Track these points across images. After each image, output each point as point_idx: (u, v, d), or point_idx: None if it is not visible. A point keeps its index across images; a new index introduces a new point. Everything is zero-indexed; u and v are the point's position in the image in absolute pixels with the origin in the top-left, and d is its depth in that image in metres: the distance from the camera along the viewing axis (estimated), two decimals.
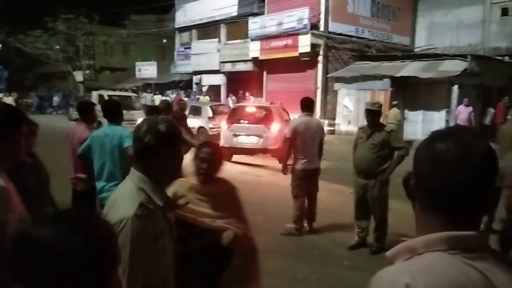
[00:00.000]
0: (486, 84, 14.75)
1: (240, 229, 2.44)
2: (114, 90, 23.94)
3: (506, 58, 16.25)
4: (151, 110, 5.87)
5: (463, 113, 12.20)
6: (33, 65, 36.19)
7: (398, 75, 14.70)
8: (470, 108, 12.48)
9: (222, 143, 10.32)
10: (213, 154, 2.47)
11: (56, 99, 28.71)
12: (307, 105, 5.49)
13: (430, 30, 20.51)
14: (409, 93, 15.01)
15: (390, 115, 12.42)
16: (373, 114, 4.68)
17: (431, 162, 0.87)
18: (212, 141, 4.25)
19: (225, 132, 10.77)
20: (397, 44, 20.08)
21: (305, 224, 5.45)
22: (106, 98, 15.56)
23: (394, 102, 13.12)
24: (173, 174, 1.63)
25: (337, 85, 17.00)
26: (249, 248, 2.55)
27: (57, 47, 28.76)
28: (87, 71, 30.62)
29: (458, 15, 19.15)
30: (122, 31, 30.49)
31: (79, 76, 28.83)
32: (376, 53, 17.81)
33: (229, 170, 9.09)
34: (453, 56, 14.69)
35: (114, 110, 3.90)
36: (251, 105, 12.11)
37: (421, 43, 20.77)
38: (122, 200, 1.48)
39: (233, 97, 18.99)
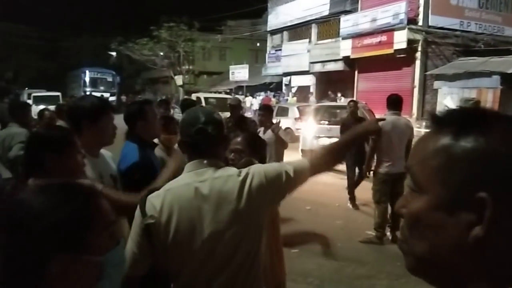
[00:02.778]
0: None
1: None
2: (210, 92, 25.19)
3: None
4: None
5: None
6: (141, 70, 39.90)
7: (510, 71, 12.98)
8: None
9: (301, 145, 9.99)
10: (243, 144, 2.12)
11: None
12: (394, 102, 5.05)
13: None
14: None
15: None
16: None
17: None
18: (251, 131, 4.03)
19: (305, 133, 10.20)
20: (510, 38, 17.76)
21: (388, 233, 5.02)
22: (203, 100, 16.74)
23: None
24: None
25: (437, 83, 15.61)
26: None
27: (161, 53, 31.16)
28: (187, 76, 32.65)
29: None
30: (218, 36, 31.91)
31: (179, 80, 30.87)
32: (484, 48, 15.96)
33: None
34: None
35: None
36: (332, 104, 11.69)
37: None
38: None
39: (313, 98, 18.58)
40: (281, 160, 4.84)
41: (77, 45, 47.36)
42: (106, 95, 23.72)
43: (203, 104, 16.03)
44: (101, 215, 0.86)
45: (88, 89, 28.61)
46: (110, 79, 31.18)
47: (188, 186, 1.49)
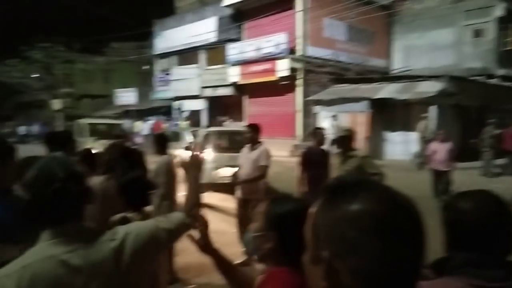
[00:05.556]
0: (463, 104, 14.99)
1: None
2: (94, 117, 23.48)
3: (480, 78, 16.62)
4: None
5: (440, 152, 8.04)
6: (10, 94, 35.63)
7: (375, 97, 14.85)
8: (449, 145, 8.14)
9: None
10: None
11: (35, 128, 28.29)
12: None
13: (406, 52, 20.98)
14: (387, 115, 15.15)
15: (419, 127, 13.85)
16: (341, 140, 4.64)
17: None
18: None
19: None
20: (374, 67, 20.42)
21: None
22: (88, 127, 14.99)
23: (424, 115, 13.98)
24: None
25: (316, 108, 17.07)
26: None
27: (35, 75, 28.39)
28: (66, 99, 30.19)
29: (432, 37, 19.66)
30: (101, 58, 30.37)
31: (57, 104, 28.38)
32: (354, 76, 18.03)
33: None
34: (428, 77, 14.94)
35: (66, 140, 3.68)
36: (228, 129, 11.42)
37: (397, 65, 21.19)
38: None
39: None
40: (172, 193, 4.68)
41: None
42: None
43: (88, 133, 14.47)
44: None
45: None
46: None
47: (53, 259, 1.23)
